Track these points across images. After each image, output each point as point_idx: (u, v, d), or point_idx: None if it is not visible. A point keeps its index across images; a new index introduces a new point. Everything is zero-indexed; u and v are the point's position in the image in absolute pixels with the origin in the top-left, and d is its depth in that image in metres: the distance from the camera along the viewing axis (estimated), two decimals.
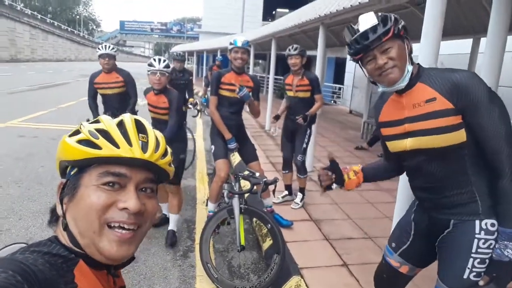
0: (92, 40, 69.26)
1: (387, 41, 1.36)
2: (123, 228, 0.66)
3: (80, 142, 0.67)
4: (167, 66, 3.30)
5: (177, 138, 3.37)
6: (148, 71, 3.26)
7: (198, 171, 5.79)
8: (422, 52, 2.19)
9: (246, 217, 3.89)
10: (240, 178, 3.08)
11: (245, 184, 3.82)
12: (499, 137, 1.30)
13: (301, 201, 4.13)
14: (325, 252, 3.20)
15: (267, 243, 3.36)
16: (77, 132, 0.70)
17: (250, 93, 3.41)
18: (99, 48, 4.30)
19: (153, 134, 0.74)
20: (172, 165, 0.78)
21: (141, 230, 0.70)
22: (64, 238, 0.67)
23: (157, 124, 3.39)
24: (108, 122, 0.71)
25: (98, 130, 0.68)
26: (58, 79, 19.61)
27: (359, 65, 1.47)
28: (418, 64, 1.48)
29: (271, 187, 2.92)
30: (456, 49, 7.25)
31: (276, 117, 4.37)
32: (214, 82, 3.44)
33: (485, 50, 2.49)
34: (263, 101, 4.32)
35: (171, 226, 3.54)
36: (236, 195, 2.90)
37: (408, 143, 1.46)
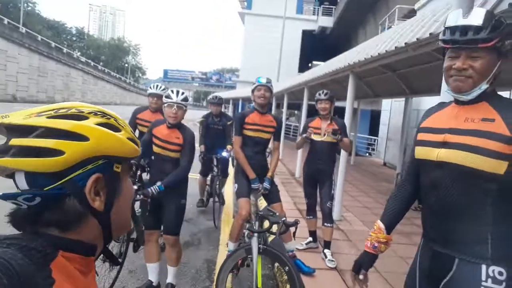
0: (137, 87, 73.96)
1: (481, 49, 1.25)
2: None
3: (129, 139, 0.71)
4: (185, 99, 3.04)
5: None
6: (165, 103, 3.02)
7: (225, 212, 5.77)
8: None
9: (267, 261, 3.78)
10: (261, 218, 3.04)
11: (267, 225, 3.75)
12: None
13: (332, 256, 3.86)
14: None
15: None
16: (113, 127, 0.69)
17: (273, 134, 3.55)
18: (150, 87, 4.39)
19: None
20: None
21: None
22: (84, 234, 0.65)
23: (160, 161, 3.09)
24: (125, 122, 0.76)
25: (131, 130, 0.75)
26: None
27: (443, 54, 1.39)
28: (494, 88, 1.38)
29: (292, 230, 2.85)
30: None
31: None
32: (237, 122, 3.51)
33: None
34: (294, 148, 4.46)
35: (170, 279, 3.12)
36: (255, 234, 2.85)
37: (440, 153, 1.35)
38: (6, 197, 0.59)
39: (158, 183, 2.89)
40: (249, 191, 3.52)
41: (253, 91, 3.48)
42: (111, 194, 0.68)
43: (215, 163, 5.62)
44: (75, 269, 0.63)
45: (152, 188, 2.87)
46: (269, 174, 3.55)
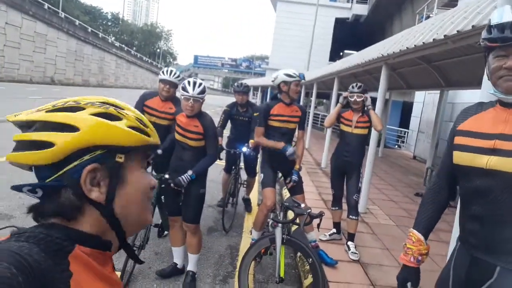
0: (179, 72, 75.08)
1: None
2: None
3: (131, 128, 0.67)
4: (202, 92, 2.95)
5: None
6: (182, 95, 2.97)
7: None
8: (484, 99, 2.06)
9: (290, 250, 3.81)
10: (286, 208, 3.06)
11: (291, 215, 3.77)
12: None
13: (355, 248, 3.84)
14: None
15: (308, 280, 3.23)
16: (112, 116, 0.67)
17: (298, 123, 3.52)
18: (162, 72, 3.75)
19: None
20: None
21: None
22: (90, 225, 0.65)
23: (180, 148, 3.11)
24: (134, 110, 0.73)
25: (137, 117, 0.70)
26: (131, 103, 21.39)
27: (484, 55, 1.33)
28: None
29: (315, 221, 2.84)
30: None
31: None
32: (262, 113, 3.46)
33: None
34: (322, 138, 4.30)
35: (191, 267, 3.14)
36: (280, 224, 2.87)
37: (490, 161, 1.27)
38: (14, 188, 0.62)
39: (190, 172, 2.93)
40: (275, 180, 3.54)
41: (289, 83, 3.36)
42: (112, 185, 0.66)
43: (241, 158, 5.07)
44: (93, 262, 0.63)
45: (183, 177, 2.91)
46: (297, 166, 3.54)
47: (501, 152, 1.25)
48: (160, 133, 3.69)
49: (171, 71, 3.73)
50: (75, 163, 0.63)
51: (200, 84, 2.96)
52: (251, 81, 29.90)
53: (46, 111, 0.65)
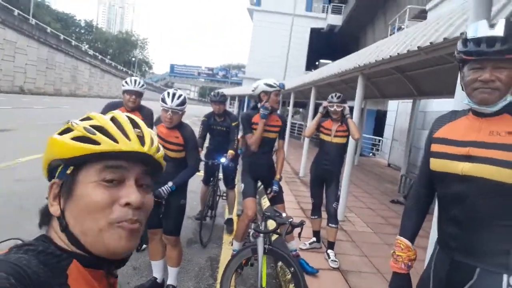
0: (144, 80, 74.07)
1: (507, 60, 1.24)
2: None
3: (75, 139, 0.66)
4: (182, 104, 2.93)
5: None
6: (161, 106, 2.93)
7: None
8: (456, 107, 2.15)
9: (271, 260, 3.79)
10: (267, 218, 3.05)
11: (271, 225, 3.76)
12: None
13: (335, 256, 3.87)
14: None
15: None
16: (68, 130, 0.68)
17: (278, 133, 3.55)
18: (126, 82, 3.60)
19: (146, 128, 0.74)
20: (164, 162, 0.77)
21: (142, 227, 0.69)
22: (60, 239, 0.65)
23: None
24: (101, 118, 0.70)
25: (93, 126, 0.67)
26: None
27: (459, 66, 1.37)
28: None
29: (296, 231, 2.85)
30: None
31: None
32: (245, 123, 3.50)
33: None
34: (300, 147, 4.26)
35: (171, 280, 3.08)
36: (261, 235, 2.86)
37: (464, 167, 1.33)
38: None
39: (170, 183, 2.88)
40: (255, 191, 3.53)
41: (269, 93, 3.41)
42: (61, 198, 0.67)
43: (220, 170, 4.93)
44: (90, 277, 0.63)
45: (163, 188, 2.86)
46: (277, 176, 3.56)
47: (474, 159, 1.31)
48: None
49: (135, 80, 3.63)
50: (53, 180, 0.69)
51: (180, 96, 2.92)
52: (228, 90, 29.91)
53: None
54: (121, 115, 0.73)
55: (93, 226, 0.64)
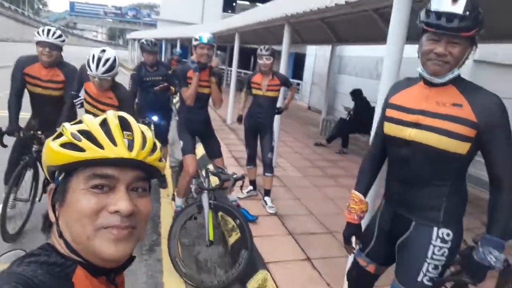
0: (39, 20, 64.86)
1: (462, 38, 1.33)
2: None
3: (63, 145, 0.65)
4: (109, 70, 2.69)
5: None
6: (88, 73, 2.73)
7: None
8: (388, 55, 2.33)
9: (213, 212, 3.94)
10: (210, 174, 3.12)
11: (214, 180, 3.85)
12: (506, 161, 1.39)
13: (272, 202, 4.11)
14: (289, 247, 3.33)
15: (233, 238, 3.43)
16: (60, 135, 0.67)
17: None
18: (38, 33, 3.12)
19: (139, 130, 0.71)
20: (163, 160, 0.75)
21: (137, 230, 0.68)
22: (60, 246, 0.65)
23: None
24: (90, 122, 0.68)
25: (81, 132, 0.66)
26: (1, 62, 18.20)
27: (421, 33, 1.43)
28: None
29: (238, 183, 2.98)
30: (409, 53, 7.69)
31: (240, 119, 4.36)
32: (181, 77, 3.42)
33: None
34: (224, 93, 4.16)
35: None
36: (206, 191, 2.93)
37: (411, 133, 1.48)
38: None
39: None
40: (194, 147, 3.54)
41: (195, 47, 3.34)
42: (54, 205, 0.68)
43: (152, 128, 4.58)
44: (96, 282, 0.65)
45: None
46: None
47: (421, 126, 1.47)
48: (52, 106, 3.26)
49: (49, 30, 3.12)
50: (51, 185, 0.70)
51: (107, 61, 2.64)
52: (144, 34, 27.66)
53: None
54: (113, 117, 0.69)
55: (81, 234, 0.63)
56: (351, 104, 7.45)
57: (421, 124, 1.46)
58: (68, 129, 0.67)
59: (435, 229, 1.52)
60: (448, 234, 1.51)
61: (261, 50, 3.92)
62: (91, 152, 0.64)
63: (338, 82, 11.58)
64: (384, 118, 1.63)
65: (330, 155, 6.95)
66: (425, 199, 1.54)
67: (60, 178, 0.67)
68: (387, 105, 1.63)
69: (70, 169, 0.65)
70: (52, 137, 0.69)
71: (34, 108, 3.39)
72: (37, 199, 3.35)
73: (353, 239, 1.80)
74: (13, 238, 3.05)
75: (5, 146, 3.03)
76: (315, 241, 3.47)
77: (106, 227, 0.64)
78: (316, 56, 13.54)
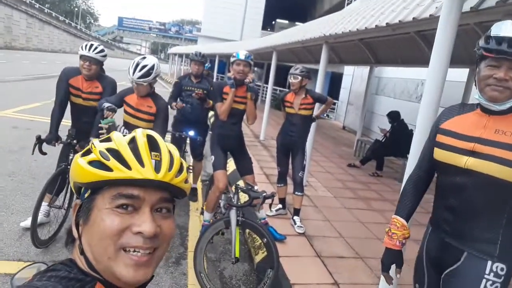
0: (89, 34, 68.88)
1: None
2: (139, 251, 0.64)
3: (91, 163, 0.65)
4: (145, 75, 2.85)
5: None
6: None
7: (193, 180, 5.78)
8: (429, 78, 2.27)
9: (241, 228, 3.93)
10: (240, 191, 3.12)
11: (243, 197, 3.85)
12: None
13: (301, 222, 4.04)
14: (316, 270, 3.25)
15: (259, 256, 3.39)
16: (88, 151, 0.67)
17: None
18: (81, 47, 3.29)
19: (167, 150, 0.71)
20: (188, 181, 0.74)
21: (158, 253, 0.68)
22: (81, 262, 0.66)
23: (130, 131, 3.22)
24: (119, 141, 0.68)
25: (109, 150, 0.66)
26: (53, 71, 19.41)
27: (477, 61, 1.42)
28: None
29: (268, 201, 2.96)
30: (452, 77, 7.42)
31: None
32: (218, 92, 3.49)
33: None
34: (259, 110, 4.16)
35: None
36: (234, 207, 2.93)
37: (468, 162, 1.42)
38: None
39: None
40: (225, 162, 3.56)
41: (232, 64, 3.42)
42: (78, 222, 0.68)
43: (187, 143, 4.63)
44: None
45: None
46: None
47: (478, 155, 1.41)
48: (89, 116, 3.35)
49: (91, 45, 3.28)
50: (75, 201, 0.70)
51: (144, 67, 2.81)
52: (184, 49, 28.67)
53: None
54: (142, 136, 0.70)
55: (103, 254, 0.63)
56: (387, 125, 7.26)
57: (478, 152, 1.41)
58: (97, 146, 0.67)
59: (489, 262, 1.43)
60: (502, 269, 1.42)
61: (294, 69, 3.96)
62: (118, 172, 0.64)
63: (375, 103, 11.37)
64: (434, 143, 1.57)
65: (363, 177, 6.77)
66: (480, 230, 1.45)
67: (86, 195, 0.67)
68: (437, 130, 1.57)
69: (96, 188, 0.65)
70: (81, 152, 0.69)
71: (73, 117, 3.53)
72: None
73: (393, 267, 1.68)
74: (44, 243, 3.12)
75: (44, 153, 3.18)
76: (344, 265, 3.36)
77: (128, 249, 0.64)
78: (354, 76, 13.41)
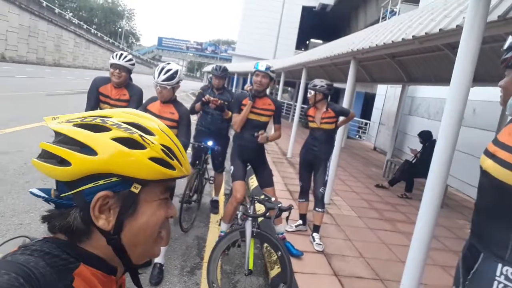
0: (130, 53, 72.15)
1: None
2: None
3: (153, 160, 0.63)
4: (168, 79, 2.95)
5: None
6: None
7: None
8: (451, 95, 2.17)
9: (257, 241, 3.86)
10: (256, 201, 3.09)
11: (260, 208, 3.81)
12: None
13: (320, 239, 3.95)
14: None
15: (275, 271, 3.30)
16: (135, 143, 0.63)
17: (272, 117, 3.56)
18: (112, 56, 3.48)
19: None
20: None
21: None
22: (100, 251, 0.64)
23: None
24: (165, 137, 0.68)
25: (165, 147, 0.66)
26: None
27: (504, 67, 1.45)
28: None
29: (284, 214, 2.90)
30: (490, 96, 7.10)
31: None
32: (237, 103, 3.56)
33: None
34: (287, 128, 4.21)
35: (158, 259, 3.11)
36: (250, 218, 2.89)
37: (487, 163, 1.46)
38: (32, 193, 0.63)
39: None
40: (245, 173, 3.55)
41: (252, 75, 3.47)
42: (122, 215, 0.63)
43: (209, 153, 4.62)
44: (97, 282, 0.62)
45: None
46: (265, 135, 3.53)
47: (495, 158, 1.41)
48: None
49: (121, 54, 3.49)
50: (89, 185, 0.61)
51: (168, 71, 2.94)
52: (230, 66, 29.34)
53: (73, 125, 0.64)
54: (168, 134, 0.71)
55: (149, 239, 0.68)
56: (419, 146, 6.99)
57: (495, 155, 1.43)
58: (155, 144, 0.65)
59: (500, 265, 1.40)
60: None
61: (314, 86, 3.94)
62: (179, 171, 0.67)
63: (408, 123, 11.05)
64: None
65: (391, 198, 6.51)
66: (492, 232, 1.45)
67: (132, 189, 0.64)
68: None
69: (146, 183, 0.64)
70: (121, 142, 0.63)
71: None
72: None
73: None
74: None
75: None
76: (362, 286, 3.20)
77: (160, 232, 0.70)
78: (386, 95, 13.14)
